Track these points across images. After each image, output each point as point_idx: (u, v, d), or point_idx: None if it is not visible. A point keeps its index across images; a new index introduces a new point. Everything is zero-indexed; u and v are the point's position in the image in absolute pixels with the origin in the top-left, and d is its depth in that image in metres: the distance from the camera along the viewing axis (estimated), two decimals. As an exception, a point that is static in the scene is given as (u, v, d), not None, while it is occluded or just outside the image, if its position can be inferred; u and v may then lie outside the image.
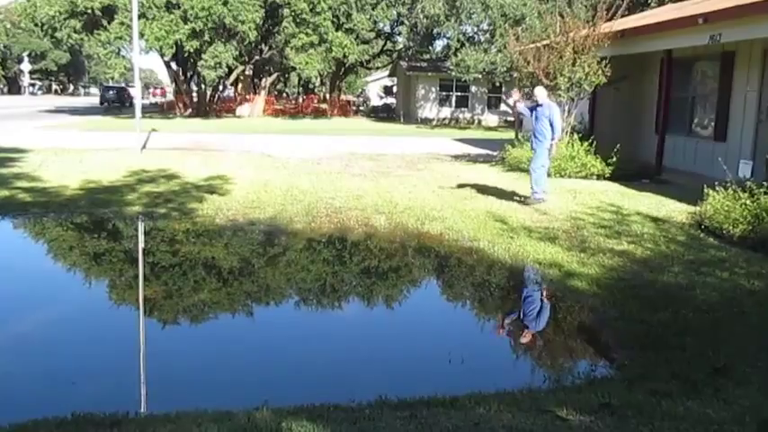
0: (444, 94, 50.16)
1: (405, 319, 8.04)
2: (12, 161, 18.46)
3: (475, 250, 10.16)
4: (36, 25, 42.94)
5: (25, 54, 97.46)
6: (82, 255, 10.48)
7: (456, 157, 23.07)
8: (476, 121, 49.29)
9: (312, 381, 5.87)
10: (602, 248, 9.95)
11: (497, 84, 47.26)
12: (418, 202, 13.77)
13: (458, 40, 43.98)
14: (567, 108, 18.19)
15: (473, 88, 49.33)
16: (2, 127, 31.05)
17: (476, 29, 45.39)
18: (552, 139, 13.60)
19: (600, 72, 17.36)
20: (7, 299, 8.02)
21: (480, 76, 42.12)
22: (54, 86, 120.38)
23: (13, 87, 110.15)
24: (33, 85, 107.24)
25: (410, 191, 15.13)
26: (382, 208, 13.14)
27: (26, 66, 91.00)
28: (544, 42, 18.40)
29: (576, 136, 18.39)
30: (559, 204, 13.66)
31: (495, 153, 22.25)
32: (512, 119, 42.49)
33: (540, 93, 13.81)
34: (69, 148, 22.28)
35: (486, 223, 11.76)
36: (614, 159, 17.24)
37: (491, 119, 49.53)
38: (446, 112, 50.14)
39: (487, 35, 43.57)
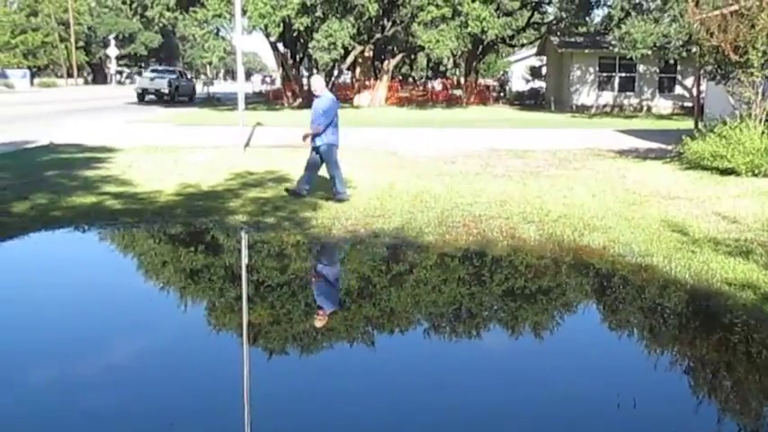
0: (605, 75, 49.41)
1: (560, 353, 7.95)
2: (99, 162, 19.31)
3: (646, 268, 10.02)
4: (124, 3, 44.37)
5: (111, 37, 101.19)
6: (177, 272, 10.81)
7: (620, 153, 22.75)
8: (644, 108, 48.34)
9: (450, 428, 5.89)
10: (810, 266, 9.64)
11: (671, 61, 46.07)
12: (575, 208, 13.68)
13: (621, 9, 43.24)
14: (761, 90, 17.66)
15: (641, 67, 48.35)
16: (87, 122, 32.39)
17: (644, -7, 44.56)
18: (313, 126, 14.03)
19: (804, 43, 16.80)
20: (93, 326, 8.26)
21: (650, 53, 40.83)
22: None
23: (99, 75, 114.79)
24: (121, 72, 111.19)
25: (565, 195, 15.06)
26: (531, 216, 13.11)
27: (113, 50, 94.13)
28: (731, 8, 17.93)
29: (773, 124, 17.80)
30: (754, 209, 13.31)
31: (669, 147, 21.84)
32: (689, 104, 41.49)
33: (317, 82, 14.78)
34: (162, 146, 23.14)
35: (661, 234, 11.60)
36: (824, 152, 16.62)
37: (663, 105, 48.50)
38: (607, 97, 49.43)
39: (659, 1, 42.64)
